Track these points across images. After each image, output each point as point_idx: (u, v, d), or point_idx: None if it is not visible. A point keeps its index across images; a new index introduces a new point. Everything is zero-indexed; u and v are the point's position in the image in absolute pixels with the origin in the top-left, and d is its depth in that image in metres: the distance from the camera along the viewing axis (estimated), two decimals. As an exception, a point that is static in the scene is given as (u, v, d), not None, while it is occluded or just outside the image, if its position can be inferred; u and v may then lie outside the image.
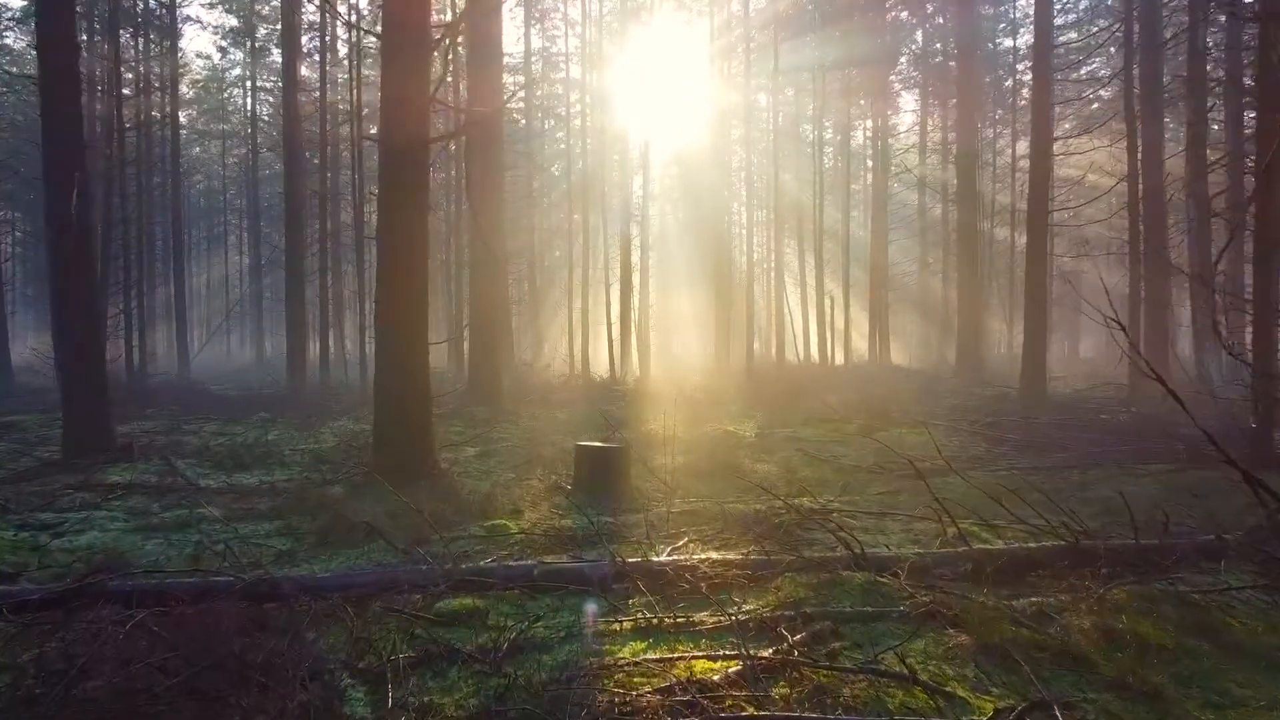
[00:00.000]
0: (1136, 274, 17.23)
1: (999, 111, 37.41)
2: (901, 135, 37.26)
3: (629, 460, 6.92)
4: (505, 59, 32.30)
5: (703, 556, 3.80)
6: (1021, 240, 36.56)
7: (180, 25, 35.14)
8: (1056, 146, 35.23)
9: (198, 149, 51.32)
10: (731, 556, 3.76)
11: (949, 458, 8.75)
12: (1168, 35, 19.22)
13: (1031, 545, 4.19)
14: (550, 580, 3.50)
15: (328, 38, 27.20)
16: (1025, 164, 35.99)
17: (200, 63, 47.23)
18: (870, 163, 38.36)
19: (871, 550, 4.16)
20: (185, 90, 44.26)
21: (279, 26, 27.65)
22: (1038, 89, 13.86)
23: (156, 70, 31.01)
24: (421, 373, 6.52)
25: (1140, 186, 17.06)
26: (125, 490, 6.56)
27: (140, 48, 29.10)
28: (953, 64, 34.95)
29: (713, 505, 6.16)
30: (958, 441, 9.62)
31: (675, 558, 3.83)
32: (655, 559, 3.77)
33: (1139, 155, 16.85)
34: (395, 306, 6.39)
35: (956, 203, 24.43)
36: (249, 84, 42.86)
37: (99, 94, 23.83)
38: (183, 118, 50.03)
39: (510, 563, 3.93)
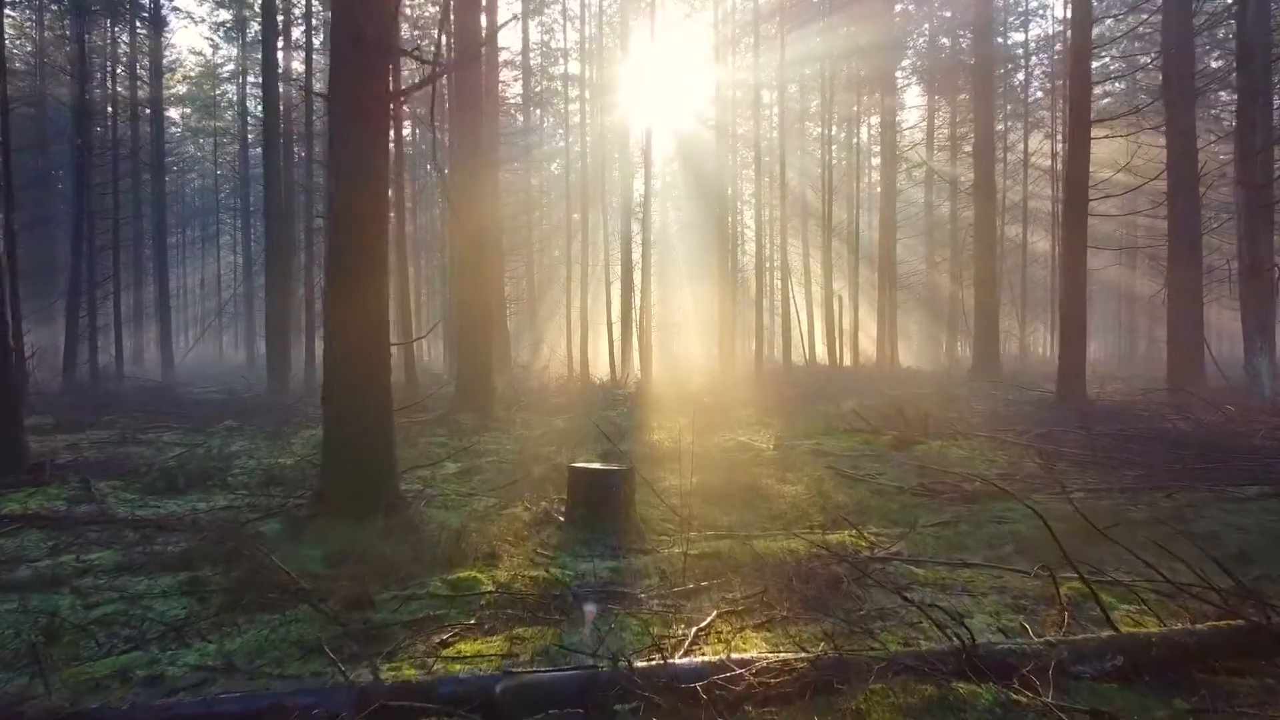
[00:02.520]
0: (1176, 271, 16.14)
1: (1008, 105, 36.29)
2: (907, 131, 36.09)
3: (633, 485, 5.73)
4: (502, 53, 31.28)
5: (744, 656, 2.60)
6: (1033, 238, 35.47)
7: (166, 15, 34.06)
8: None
9: (192, 148, 50.51)
10: (788, 657, 2.56)
11: (1001, 475, 7.59)
12: (1198, 22, 18.12)
13: (1201, 628, 3.00)
14: (522, 701, 2.31)
15: (315, 26, 26.05)
16: (1038, 160, 34.92)
17: (193, 59, 46.23)
18: (875, 160, 37.23)
19: (977, 631, 2.97)
20: (179, 87, 43.21)
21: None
22: (1075, 66, 12.68)
23: (132, 58, 29.85)
24: (380, 380, 5.33)
25: (1170, 178, 16.01)
26: (19, 524, 5.37)
27: (118, 34, 27.93)
28: (961, 58, 33.90)
29: (738, 545, 4.98)
30: (1006, 456, 8.43)
31: (705, 659, 2.63)
32: (678, 661, 2.58)
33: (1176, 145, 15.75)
34: (348, 299, 5.20)
35: (974, 195, 23.27)
36: (241, 79, 41.83)
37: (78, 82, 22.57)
38: (176, 115, 49.12)
39: (460, 671, 2.74)
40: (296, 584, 3.97)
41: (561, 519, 5.65)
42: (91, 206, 17.03)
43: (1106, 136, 13.29)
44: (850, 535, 5.41)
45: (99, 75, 29.96)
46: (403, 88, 5.87)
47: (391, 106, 5.24)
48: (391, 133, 24.37)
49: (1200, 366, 16.23)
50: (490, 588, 4.03)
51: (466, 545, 4.66)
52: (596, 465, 5.78)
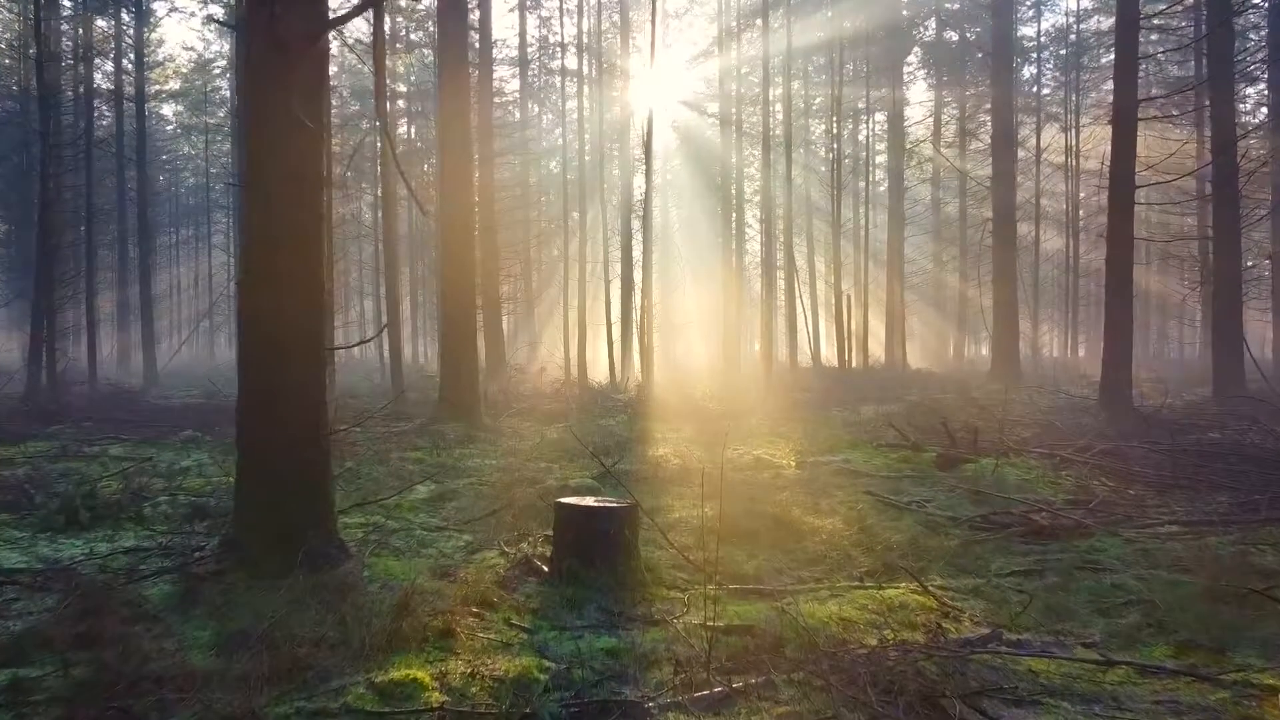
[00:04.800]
0: (1220, 267, 15.02)
1: (1017, 99, 35.12)
2: (914, 127, 34.97)
3: (636, 526, 4.55)
4: (496, 47, 30.12)
5: None
6: (1045, 238, 34.22)
7: (151, 5, 32.94)
8: (1086, 134, 32.78)
9: (186, 145, 49.66)
10: None
11: (1071, 502, 6.40)
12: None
13: None
14: None
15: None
16: (1050, 156, 33.72)
17: (185, 54, 45.30)
18: (881, 158, 36.09)
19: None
20: (171, 82, 42.13)
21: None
22: (1122, 35, 11.52)
23: (118, 49, 28.75)
24: (309, 394, 4.14)
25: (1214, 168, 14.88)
26: None
27: (92, 19, 26.79)
28: (970, 50, 32.76)
29: (775, 612, 3.80)
30: (1071, 478, 7.25)
31: None
32: None
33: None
34: (268, 288, 4.03)
35: (992, 187, 22.08)
36: (233, 74, 40.78)
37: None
38: (169, 113, 48.12)
39: None
40: (159, 691, 2.78)
41: (545, 569, 4.48)
42: (51, 200, 15.82)
43: (1154, 118, 12.12)
44: (912, 590, 4.24)
45: (82, 66, 28.86)
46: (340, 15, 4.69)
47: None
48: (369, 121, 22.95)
49: (1242, 371, 15.10)
50: (435, 695, 2.84)
51: (414, 616, 3.47)
52: (590, 501, 4.60)
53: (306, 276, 4.08)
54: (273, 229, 3.97)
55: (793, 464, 8.21)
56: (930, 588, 4.27)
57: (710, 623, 3.58)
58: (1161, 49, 26.96)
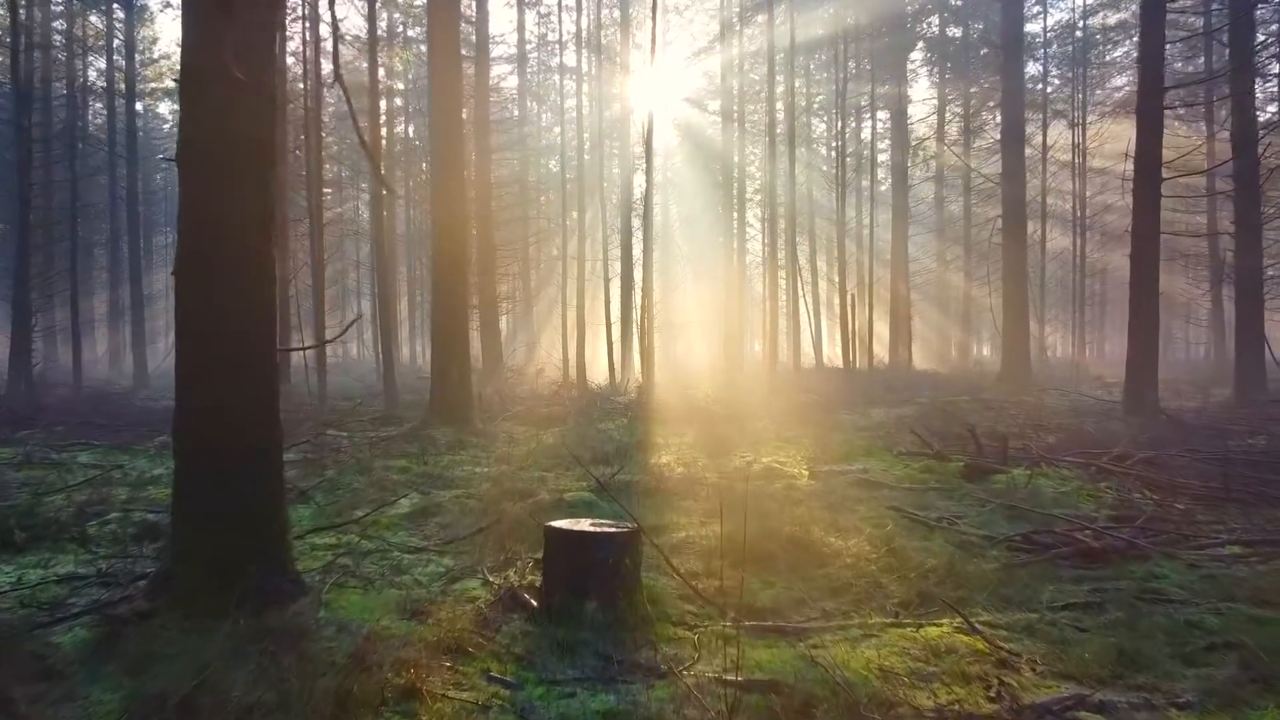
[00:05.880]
0: (1241, 266, 14.46)
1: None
2: (917, 124, 34.37)
3: (638, 554, 3.97)
4: (493, 43, 29.55)
5: None
6: (1051, 236, 33.64)
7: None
8: (1093, 130, 32.14)
9: (183, 146, 48.95)
10: None
11: (1115, 518, 5.83)
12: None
13: None
14: None
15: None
16: (1056, 154, 33.15)
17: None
18: (884, 155, 35.51)
19: None
20: (168, 80, 41.37)
21: None
22: (1147, 21, 10.94)
23: (109, 44, 28.18)
24: (261, 404, 3.56)
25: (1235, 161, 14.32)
26: None
27: (80, 12, 26.19)
28: (974, 46, 32.17)
29: (801, 660, 3.22)
30: (1112, 491, 6.66)
31: None
32: None
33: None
34: (208, 281, 3.44)
35: (1001, 182, 21.43)
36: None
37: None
38: (165, 110, 47.37)
39: None
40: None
41: (534, 603, 3.90)
42: (30, 196, 15.26)
43: (1171, 106, 11.55)
44: (956, 628, 3.67)
45: (69, 61, 28.31)
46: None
47: None
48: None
49: (1264, 372, 14.55)
50: (387, 787, 2.26)
51: (372, 673, 2.88)
52: (585, 525, 4.01)
53: (254, 264, 3.50)
54: (214, 208, 3.39)
55: (806, 473, 7.62)
56: (977, 625, 3.70)
57: (727, 676, 3.01)
58: (1168, 43, 26.34)
